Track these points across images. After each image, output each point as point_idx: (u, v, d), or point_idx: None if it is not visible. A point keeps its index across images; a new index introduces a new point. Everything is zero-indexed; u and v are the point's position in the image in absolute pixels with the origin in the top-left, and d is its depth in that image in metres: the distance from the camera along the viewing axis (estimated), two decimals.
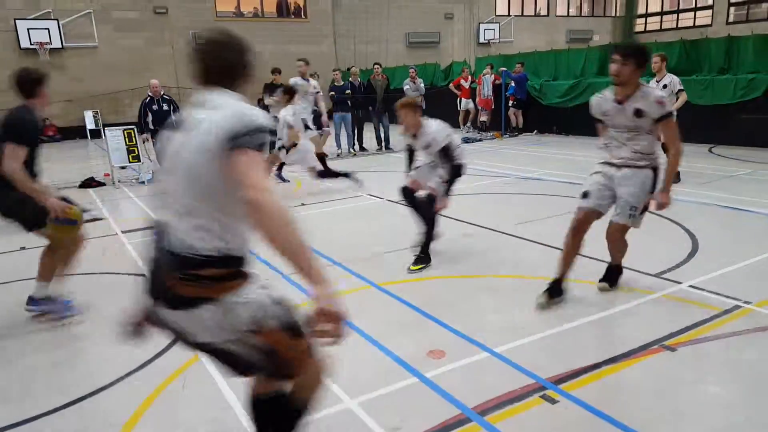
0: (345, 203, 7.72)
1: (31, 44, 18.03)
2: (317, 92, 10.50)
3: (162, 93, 9.87)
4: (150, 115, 9.64)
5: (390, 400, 2.90)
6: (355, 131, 12.79)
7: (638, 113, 3.67)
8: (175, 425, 2.81)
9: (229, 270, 1.77)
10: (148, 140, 9.79)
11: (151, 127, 9.63)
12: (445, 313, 3.89)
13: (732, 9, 28.00)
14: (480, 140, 14.07)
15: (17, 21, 17.85)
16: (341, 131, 12.53)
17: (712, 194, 7.05)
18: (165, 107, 9.67)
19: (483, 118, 15.07)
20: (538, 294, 3.99)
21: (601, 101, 3.91)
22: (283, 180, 9.55)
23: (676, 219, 5.88)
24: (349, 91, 12.33)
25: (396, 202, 7.48)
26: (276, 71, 11.66)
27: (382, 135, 13.04)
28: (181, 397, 3.04)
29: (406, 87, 13.08)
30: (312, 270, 1.61)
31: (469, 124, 15.60)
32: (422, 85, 13.40)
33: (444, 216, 6.54)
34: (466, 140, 13.89)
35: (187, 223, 1.75)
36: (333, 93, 12.26)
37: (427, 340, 3.53)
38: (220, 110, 1.78)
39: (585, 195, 3.95)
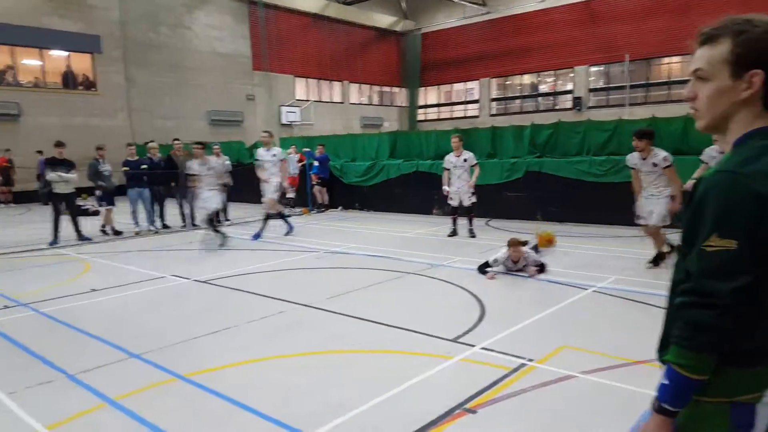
0: (143, 286, 7.13)
1: None
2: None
3: None
4: None
5: None
6: (156, 208, 12.10)
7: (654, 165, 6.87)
8: None
9: None
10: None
11: None
12: (259, 401, 3.77)
13: (494, 103, 33.34)
14: (288, 216, 14.25)
15: None
16: (138, 208, 11.75)
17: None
18: None
19: (290, 195, 15.38)
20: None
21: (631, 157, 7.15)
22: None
23: (463, 285, 6.60)
24: (145, 166, 11.74)
25: (204, 282, 7.18)
26: (60, 145, 10.66)
27: (186, 211, 12.51)
28: None
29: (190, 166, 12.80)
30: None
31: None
32: (228, 162, 13.28)
33: (258, 294, 6.46)
34: (272, 216, 13.99)
35: None
36: (127, 168, 11.57)
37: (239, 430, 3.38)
38: None
39: (638, 217, 7.13)
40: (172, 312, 6.07)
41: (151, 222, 11.99)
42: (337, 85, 32.10)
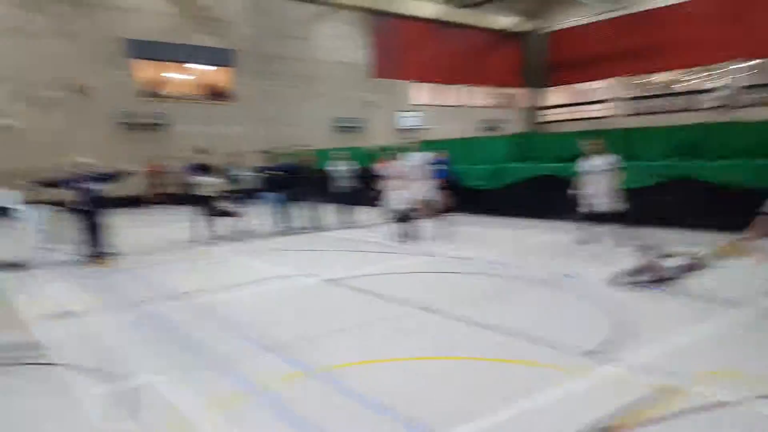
0: (276, 283, 7.59)
1: None
2: None
3: (88, 171, 9.36)
4: (73, 193, 9.10)
5: None
6: (286, 210, 12.85)
7: None
8: None
9: None
10: (75, 219, 9.26)
11: (74, 206, 9.14)
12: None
13: (625, 103, 31.29)
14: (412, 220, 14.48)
15: None
16: (269, 210, 12.56)
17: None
18: (90, 185, 9.18)
19: None
20: None
21: None
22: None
23: (599, 296, 6.24)
24: (276, 172, 12.52)
25: (331, 281, 7.49)
26: (202, 151, 11.70)
27: (313, 214, 13.15)
28: None
29: (334, 168, 13.46)
30: None
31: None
32: (352, 166, 13.77)
33: (382, 296, 6.60)
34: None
35: None
36: (260, 173, 12.40)
37: None
38: None
39: None
40: (302, 309, 6.39)
41: (282, 223, 12.73)
42: (454, 88, 32.03)
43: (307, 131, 24.49)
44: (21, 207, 10.04)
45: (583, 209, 9.44)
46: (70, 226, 9.36)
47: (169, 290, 7.36)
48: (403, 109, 29.15)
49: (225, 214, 11.73)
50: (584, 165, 9.39)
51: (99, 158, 10.62)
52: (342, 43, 26.80)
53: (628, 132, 12.62)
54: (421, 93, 30.63)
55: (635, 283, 6.60)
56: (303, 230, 12.86)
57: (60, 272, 8.75)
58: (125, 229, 10.78)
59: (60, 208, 9.64)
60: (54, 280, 8.24)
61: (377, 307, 6.30)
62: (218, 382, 4.27)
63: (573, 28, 32.22)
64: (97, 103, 20.12)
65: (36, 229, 9.75)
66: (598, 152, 9.19)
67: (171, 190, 20.82)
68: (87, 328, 5.80)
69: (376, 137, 26.59)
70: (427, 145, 16.89)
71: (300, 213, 13.16)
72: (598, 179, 9.21)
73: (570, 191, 9.58)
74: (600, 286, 6.71)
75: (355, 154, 19.00)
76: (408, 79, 29.53)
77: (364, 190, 14.98)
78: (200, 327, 5.77)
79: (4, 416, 3.87)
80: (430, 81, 30.78)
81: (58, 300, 7.01)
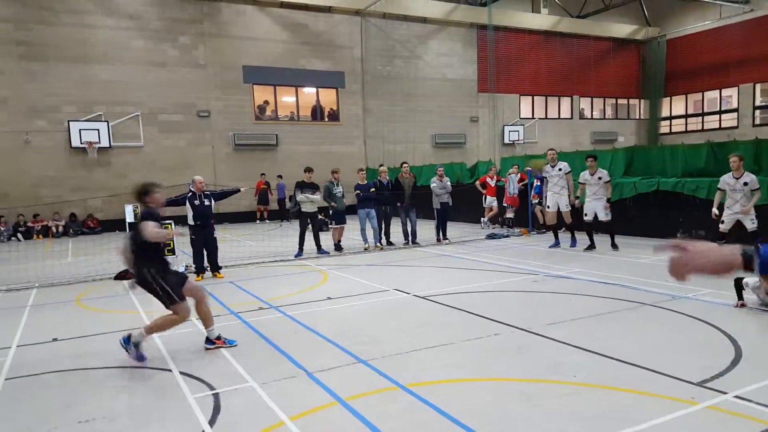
0: (369, 298, 7.68)
1: (81, 143, 19.24)
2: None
3: (204, 189, 9.97)
4: (192, 210, 9.70)
5: None
6: (383, 226, 13.02)
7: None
8: None
9: None
10: (185, 234, 9.96)
11: (191, 222, 9.71)
12: (480, 424, 3.71)
13: (758, 112, 28.45)
14: (507, 236, 14.07)
15: (71, 122, 19.18)
16: (366, 226, 12.76)
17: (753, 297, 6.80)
18: (206, 202, 9.84)
19: (509, 215, 15.18)
20: None
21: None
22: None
23: (714, 322, 5.66)
24: (373, 189, 12.72)
25: (422, 297, 7.44)
26: (308, 170, 12.20)
27: (409, 229, 13.22)
28: None
29: (433, 185, 13.44)
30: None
31: (486, 219, 15.81)
32: (449, 183, 13.69)
33: (474, 314, 6.45)
34: (492, 236, 13.94)
35: None
36: (358, 192, 12.65)
37: None
38: None
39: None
40: (395, 323, 6.40)
41: (378, 239, 12.90)
42: (565, 100, 30.81)
43: (409, 148, 24.75)
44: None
45: (723, 228, 8.77)
46: (187, 240, 10.09)
47: (270, 301, 7.69)
48: (511, 123, 28.53)
49: (326, 229, 12.09)
50: (728, 182, 8.70)
51: (215, 176, 11.60)
52: (449, 60, 26.85)
53: (760, 143, 11.39)
54: (529, 106, 29.81)
55: (753, 303, 5.92)
56: (394, 245, 12.97)
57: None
58: (234, 242, 11.46)
59: (170, 222, 10.40)
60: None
61: (472, 324, 6.15)
62: (309, 392, 4.36)
63: (694, 34, 29.88)
64: (216, 126, 21.74)
65: None
66: (737, 168, 8.66)
67: (278, 206, 21.95)
68: (188, 336, 6.20)
69: (478, 153, 26.26)
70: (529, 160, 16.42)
71: (399, 228, 13.27)
72: (737, 196, 8.58)
73: (714, 210, 8.94)
74: (720, 310, 6.07)
75: (456, 169, 18.95)
76: (517, 93, 28.88)
77: (463, 206, 14.84)
78: (295, 337, 5.96)
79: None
80: (540, 93, 29.87)
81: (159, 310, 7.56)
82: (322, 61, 23.68)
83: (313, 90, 23.99)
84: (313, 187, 12.06)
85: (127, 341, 5.20)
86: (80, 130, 19.25)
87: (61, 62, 19.21)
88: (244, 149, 22.24)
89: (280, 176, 21.80)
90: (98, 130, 19.49)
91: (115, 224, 18.52)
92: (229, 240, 11.98)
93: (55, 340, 6.13)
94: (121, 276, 9.86)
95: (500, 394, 4.22)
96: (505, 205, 15.34)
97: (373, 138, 24.77)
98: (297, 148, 22.84)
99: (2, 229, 18.08)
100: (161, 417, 4.04)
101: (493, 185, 15.68)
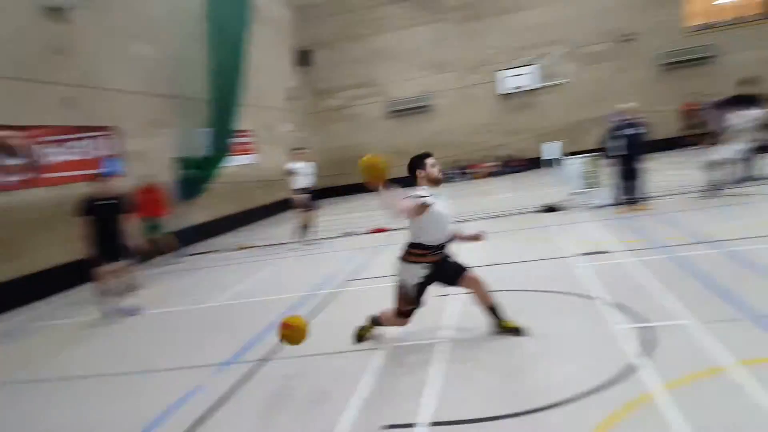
0: None
1: (510, 90, 20.96)
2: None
3: (629, 118, 9.53)
4: (616, 140, 9.42)
5: None
6: None
7: None
8: None
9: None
10: (611, 165, 9.76)
11: (616, 153, 9.42)
12: None
13: None
14: None
15: (500, 72, 21.05)
16: None
17: None
18: (632, 131, 9.34)
19: None
20: None
21: None
22: None
23: None
24: None
25: None
26: (746, 82, 10.00)
27: None
28: None
29: None
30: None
31: None
32: None
33: None
34: None
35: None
36: None
37: None
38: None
39: None
40: None
41: None
42: None
43: None
44: (563, 157, 11.25)
45: None
46: (608, 172, 9.85)
47: (700, 236, 6.84)
48: None
49: None
50: None
51: (639, 102, 10.68)
52: None
53: None
54: None
55: None
56: None
57: (596, 215, 9.41)
58: (658, 173, 10.52)
59: (599, 154, 10.27)
60: (589, 222, 8.97)
61: None
62: (760, 338, 3.75)
63: None
64: (639, 48, 20.11)
65: (576, 176, 10.73)
66: None
67: (707, 129, 18.88)
68: (618, 267, 6.10)
69: None
70: None
71: None
72: None
73: None
74: None
75: None
76: None
77: None
78: (741, 277, 5.16)
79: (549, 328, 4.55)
80: None
81: (592, 239, 7.62)
82: None
83: None
84: (753, 102, 9.84)
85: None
86: (509, 77, 20.90)
87: (494, 16, 21.10)
88: (672, 68, 19.90)
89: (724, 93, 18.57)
90: (525, 74, 20.76)
91: (537, 162, 20.26)
92: (657, 171, 11.11)
93: (493, 264, 6.98)
94: (547, 209, 10.49)
95: None
96: None
97: None
98: (739, 57, 18.99)
99: (454, 171, 21.57)
100: (592, 342, 4.17)
101: None
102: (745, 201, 8.81)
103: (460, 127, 21.62)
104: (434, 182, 4.39)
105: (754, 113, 9.78)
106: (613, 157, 9.59)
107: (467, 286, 4.48)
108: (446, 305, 5.36)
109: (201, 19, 12.90)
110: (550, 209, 10.45)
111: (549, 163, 20.16)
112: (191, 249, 12.00)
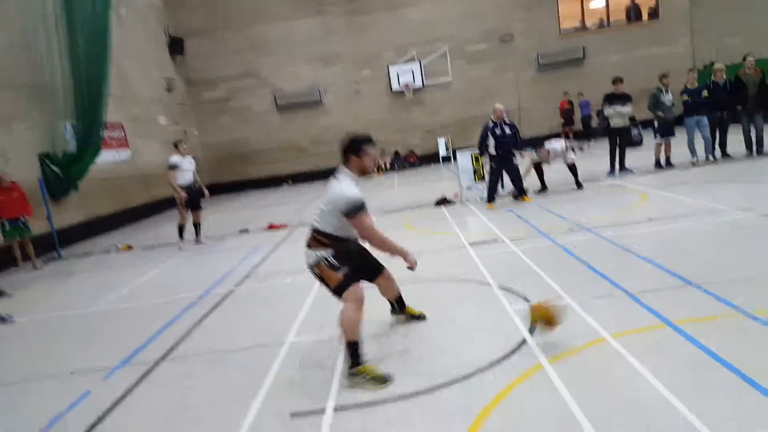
0: (700, 219, 6.75)
1: (399, 87, 21.41)
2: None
3: (505, 118, 10.02)
4: (492, 138, 9.85)
5: None
6: (716, 135, 11.15)
7: None
8: (523, 430, 2.90)
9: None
10: (487, 163, 10.33)
11: (492, 151, 9.87)
12: None
13: None
14: None
15: (390, 66, 21.40)
16: (695, 137, 11.08)
17: None
18: (507, 131, 9.84)
19: None
20: None
21: None
22: None
23: None
24: (705, 93, 10.87)
25: None
26: (617, 80, 11.13)
27: (754, 137, 11.00)
28: (526, 402, 3.13)
29: None
30: (398, 250, 3.97)
31: None
32: None
33: None
34: None
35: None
36: (686, 96, 10.99)
37: None
38: (337, 185, 3.82)
39: None
40: (735, 246, 5.54)
41: (710, 152, 11.12)
42: None
43: (751, 39, 20.19)
44: (453, 153, 11.73)
45: None
46: (490, 169, 10.37)
47: (580, 223, 7.48)
48: None
49: (635, 143, 10.98)
50: None
51: (518, 101, 11.50)
52: None
53: None
54: None
55: None
56: (732, 157, 10.97)
57: (485, 207, 9.94)
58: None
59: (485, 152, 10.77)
60: (479, 214, 9.48)
61: None
62: (630, 312, 4.17)
63: None
64: (518, 49, 21.42)
65: (465, 171, 11.21)
66: None
67: (581, 125, 20.67)
68: (508, 255, 6.50)
69: None
70: None
71: (739, 137, 11.19)
72: None
73: None
74: None
75: None
76: None
77: None
78: (611, 258, 5.70)
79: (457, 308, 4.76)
80: None
81: (483, 230, 8.06)
82: None
83: None
84: (623, 99, 10.99)
85: None
86: (398, 73, 21.33)
87: (381, 11, 21.33)
88: (548, 69, 21.45)
89: (581, 94, 20.46)
90: (412, 70, 21.27)
91: (431, 158, 20.64)
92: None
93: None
94: (440, 202, 10.91)
95: None
96: None
97: (703, 32, 20.97)
98: (606, 59, 20.94)
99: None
100: (487, 324, 4.42)
101: None
102: (616, 192, 9.73)
103: (353, 123, 21.74)
104: (364, 173, 3.92)
105: (626, 109, 10.91)
106: (488, 154, 10.06)
107: (381, 283, 4.36)
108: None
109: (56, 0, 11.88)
110: (444, 202, 10.88)
111: (442, 158, 20.95)
112: (67, 251, 11.05)
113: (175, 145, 9.83)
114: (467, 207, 10.28)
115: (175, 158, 9.67)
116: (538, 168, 10.56)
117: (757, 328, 3.61)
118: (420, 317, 4.64)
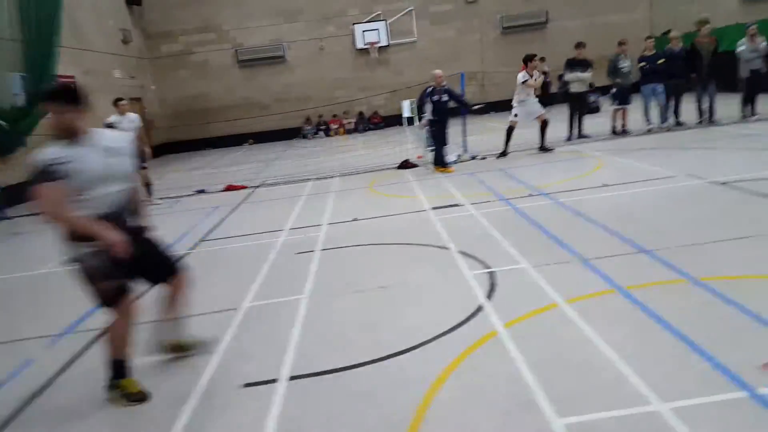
0: (652, 185, 6.93)
1: (364, 45, 20.95)
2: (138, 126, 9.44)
3: (443, 84, 9.83)
4: (430, 104, 9.79)
5: (709, 412, 2.52)
6: (671, 103, 11.37)
7: None
8: (478, 394, 2.96)
9: None
10: (424, 127, 10.22)
11: (430, 116, 9.82)
12: None
13: None
14: None
15: (355, 25, 20.88)
16: (651, 104, 11.30)
17: None
18: (444, 98, 9.71)
19: None
20: None
21: None
22: None
23: None
24: (662, 60, 11.02)
25: (722, 184, 6.42)
26: (579, 45, 11.18)
27: (705, 106, 11.27)
28: (480, 368, 3.18)
29: (740, 48, 10.98)
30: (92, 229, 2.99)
31: None
32: (764, 44, 11.00)
33: None
34: None
35: None
36: (643, 63, 11.12)
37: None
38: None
39: None
40: (684, 213, 5.70)
41: (664, 119, 11.36)
42: None
43: (708, 7, 20.50)
44: (416, 115, 11.61)
45: None
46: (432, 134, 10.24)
47: (540, 188, 7.57)
48: None
49: (594, 110, 11.14)
50: None
51: (482, 63, 11.39)
52: None
53: None
54: None
55: None
56: (684, 125, 11.25)
57: (430, 174, 9.95)
58: (501, 131, 11.33)
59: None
60: (440, 177, 9.48)
61: None
62: (583, 278, 4.26)
63: None
64: (482, 11, 21.18)
65: (427, 134, 11.11)
66: None
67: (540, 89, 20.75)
68: (467, 219, 6.54)
69: None
70: None
71: (692, 106, 11.44)
72: None
73: None
74: None
75: None
76: None
77: None
78: (567, 224, 5.80)
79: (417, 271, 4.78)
80: None
81: (444, 194, 8.08)
82: None
83: None
84: (583, 65, 11.05)
85: None
86: (363, 31, 20.85)
87: None
88: (511, 32, 21.34)
89: (542, 59, 20.42)
90: (378, 30, 20.82)
91: (395, 119, 20.33)
92: (499, 129, 12.04)
93: (355, 219, 7.13)
94: (403, 165, 10.85)
95: None
96: None
97: (661, 0, 21.18)
98: (568, 24, 20.96)
99: (309, 128, 21.37)
100: (445, 288, 4.45)
101: None
102: (574, 158, 9.86)
103: (316, 81, 21.29)
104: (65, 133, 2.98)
105: (586, 75, 10.99)
106: (426, 120, 10.01)
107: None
108: (299, 265, 5.35)
109: None
110: (406, 165, 10.82)
111: (407, 120, 20.76)
112: (14, 211, 10.58)
113: (114, 103, 9.27)
114: (429, 170, 10.26)
115: (113, 117, 9.10)
116: (510, 131, 10.60)
117: (702, 293, 3.75)
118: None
